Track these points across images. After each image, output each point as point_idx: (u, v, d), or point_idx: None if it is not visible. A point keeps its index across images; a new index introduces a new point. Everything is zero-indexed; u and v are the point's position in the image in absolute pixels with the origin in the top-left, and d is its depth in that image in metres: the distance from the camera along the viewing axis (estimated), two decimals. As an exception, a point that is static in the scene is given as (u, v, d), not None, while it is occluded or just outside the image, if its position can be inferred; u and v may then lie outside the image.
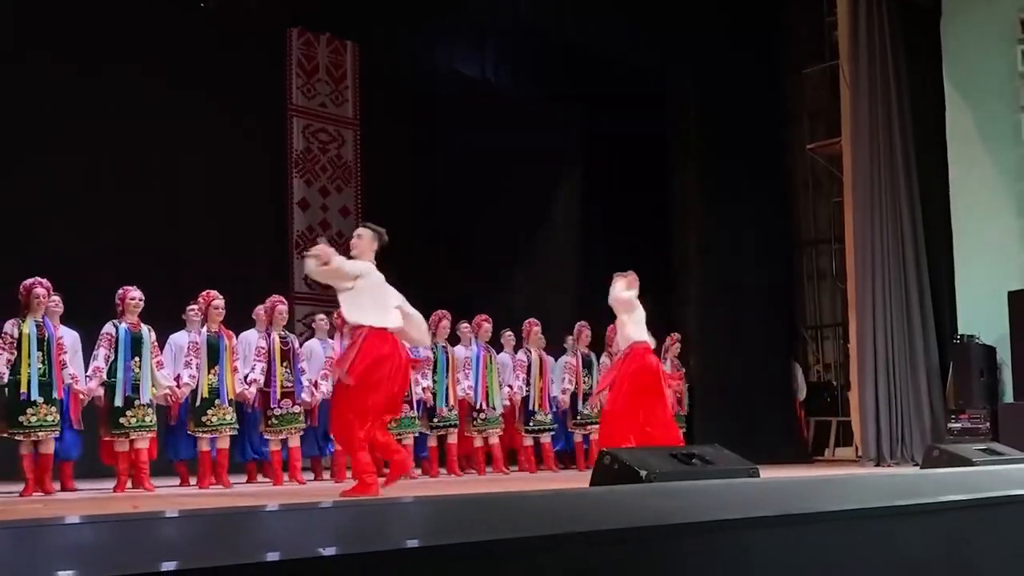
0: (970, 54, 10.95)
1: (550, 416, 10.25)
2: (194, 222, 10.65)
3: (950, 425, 10.24)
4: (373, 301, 6.27)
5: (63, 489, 7.46)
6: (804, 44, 13.47)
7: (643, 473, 4.15)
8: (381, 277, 6.39)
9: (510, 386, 9.97)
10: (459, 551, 2.07)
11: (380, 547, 2.03)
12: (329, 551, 1.94)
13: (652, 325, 8.57)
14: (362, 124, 12.74)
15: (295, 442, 8.30)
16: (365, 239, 6.43)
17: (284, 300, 8.51)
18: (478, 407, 9.64)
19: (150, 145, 10.39)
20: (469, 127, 12.69)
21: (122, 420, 7.31)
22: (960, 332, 10.61)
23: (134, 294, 7.45)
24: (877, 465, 10.31)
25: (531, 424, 10.18)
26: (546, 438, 10.28)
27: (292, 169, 12.15)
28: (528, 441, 10.20)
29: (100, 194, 9.96)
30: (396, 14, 11.95)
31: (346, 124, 12.68)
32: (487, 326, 9.88)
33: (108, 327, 7.39)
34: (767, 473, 4.91)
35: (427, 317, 8.90)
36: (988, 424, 9.94)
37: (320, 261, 6.19)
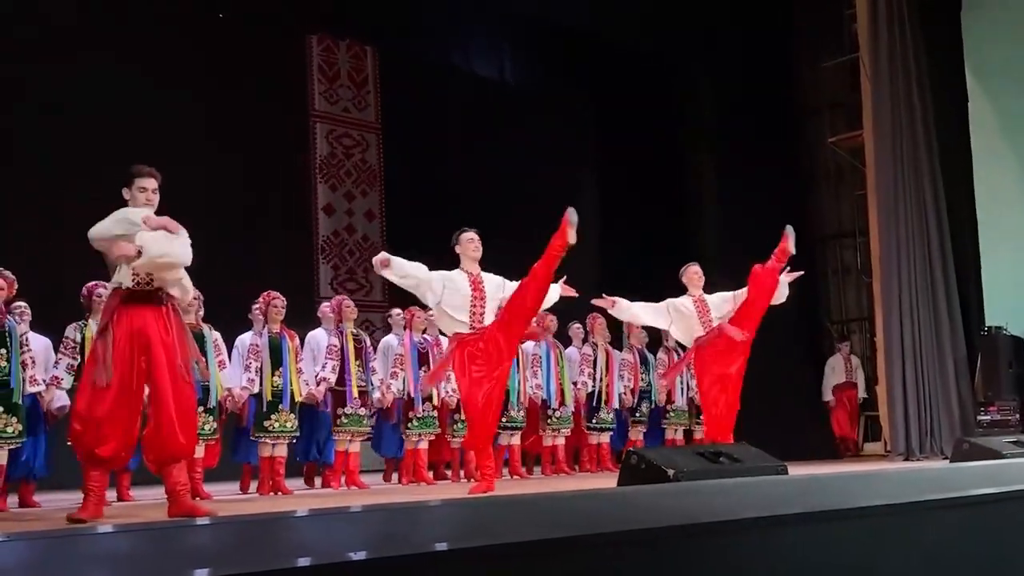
0: (992, 45, 10.88)
1: (611, 415, 9.91)
2: (219, 230, 10.69)
3: (979, 417, 10.16)
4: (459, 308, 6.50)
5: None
6: (823, 37, 13.40)
7: (670, 472, 4.15)
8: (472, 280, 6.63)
9: (574, 383, 9.61)
10: (488, 553, 2.08)
11: (409, 551, 2.05)
12: (359, 555, 1.96)
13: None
14: (384, 128, 12.78)
15: (355, 447, 8.14)
16: (462, 244, 6.78)
17: (348, 298, 8.45)
18: (552, 405, 9.34)
19: (172, 153, 10.41)
20: (488, 127, 12.73)
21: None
22: (987, 324, 10.54)
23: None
24: (906, 459, 10.25)
25: (594, 422, 9.82)
26: (606, 437, 9.93)
27: (316, 175, 12.21)
28: (594, 439, 9.85)
29: (121, 202, 10.02)
30: (414, 18, 12.00)
31: (369, 128, 12.74)
32: (551, 321, 9.47)
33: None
34: (795, 470, 4.90)
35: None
36: (1017, 416, 9.87)
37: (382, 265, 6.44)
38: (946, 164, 11.04)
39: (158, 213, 5.35)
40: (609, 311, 8.21)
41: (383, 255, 6.54)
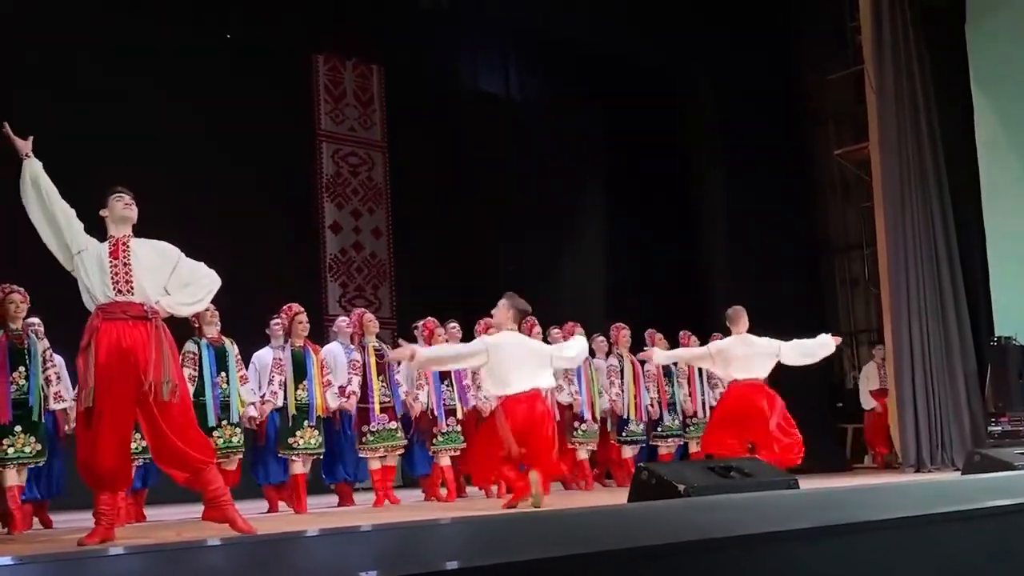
0: (996, 56, 10.88)
1: (641, 427, 9.82)
2: (227, 249, 10.72)
3: (990, 428, 10.12)
4: (506, 370, 6.70)
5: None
6: (828, 49, 13.43)
7: (681, 487, 4.15)
8: (515, 342, 6.83)
9: (601, 395, 9.55)
10: (499, 571, 2.08)
11: (420, 570, 2.04)
12: (370, 575, 1.95)
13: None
14: (390, 146, 12.83)
15: (392, 461, 8.04)
16: (502, 310, 6.89)
17: (368, 311, 8.38)
18: (586, 418, 9.28)
19: (180, 173, 10.48)
20: (495, 143, 12.76)
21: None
22: (997, 334, 10.50)
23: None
24: (917, 471, 10.20)
25: (624, 434, 9.73)
26: (631, 451, 9.81)
27: (323, 193, 12.25)
28: (626, 453, 9.74)
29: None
30: (420, 36, 12.05)
31: (375, 147, 12.78)
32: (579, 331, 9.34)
33: (189, 345, 7.09)
34: (806, 484, 4.89)
35: (466, 330, 8.91)
36: (1029, 426, 9.83)
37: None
38: (952, 174, 11.03)
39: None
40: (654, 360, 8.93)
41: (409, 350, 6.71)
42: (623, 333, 9.87)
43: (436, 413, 8.30)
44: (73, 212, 5.33)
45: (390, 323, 11.70)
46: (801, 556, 2.64)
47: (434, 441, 8.27)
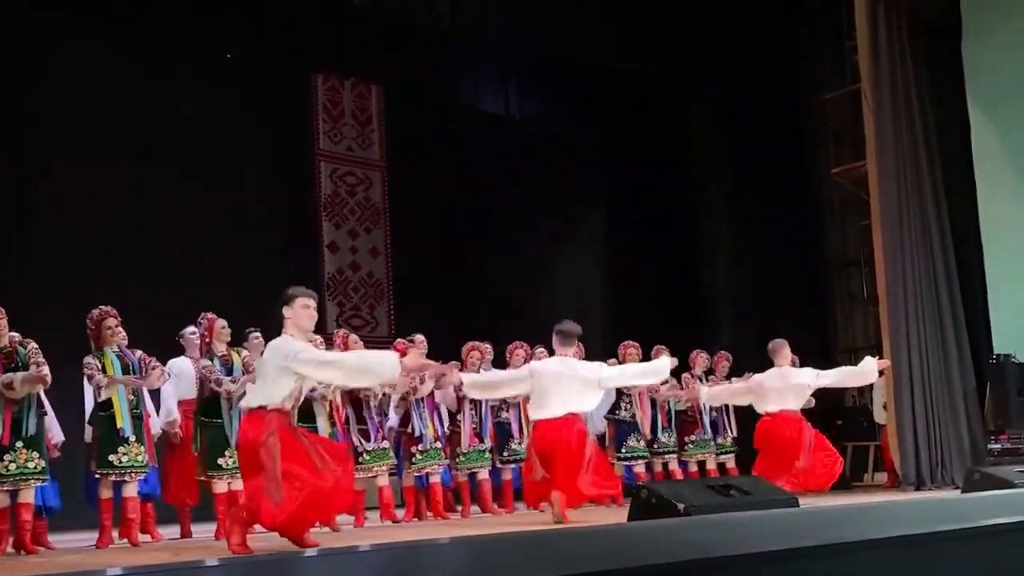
0: (993, 73, 10.91)
1: (642, 443, 9.79)
2: (224, 268, 10.74)
3: (989, 446, 10.10)
4: (546, 394, 6.93)
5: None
6: (826, 68, 13.47)
7: (681, 506, 4.14)
8: (558, 368, 7.06)
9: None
10: (498, 592, 2.07)
11: (420, 590, 2.04)
12: (369, 596, 1.95)
13: (683, 351, 8.66)
14: (389, 166, 12.84)
15: (383, 480, 8.05)
16: (554, 340, 7.19)
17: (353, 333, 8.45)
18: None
19: (177, 192, 10.49)
20: (494, 162, 12.77)
21: (220, 461, 7.10)
22: (996, 351, 10.49)
23: (220, 322, 7.36)
24: (917, 489, 10.17)
25: (623, 451, 9.72)
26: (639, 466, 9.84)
27: (321, 213, 12.25)
28: (621, 470, 9.62)
29: (128, 240, 10.07)
30: (419, 55, 12.08)
31: (373, 167, 12.79)
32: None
33: (204, 362, 7.22)
34: (806, 502, 4.88)
35: (458, 350, 8.93)
36: (1028, 444, 9.82)
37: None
38: (950, 192, 11.05)
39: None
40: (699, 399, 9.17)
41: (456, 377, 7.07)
42: (630, 351, 9.81)
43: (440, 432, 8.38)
44: None
45: (387, 342, 11.67)
46: (801, 574, 2.63)
47: (413, 460, 8.28)
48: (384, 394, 8.18)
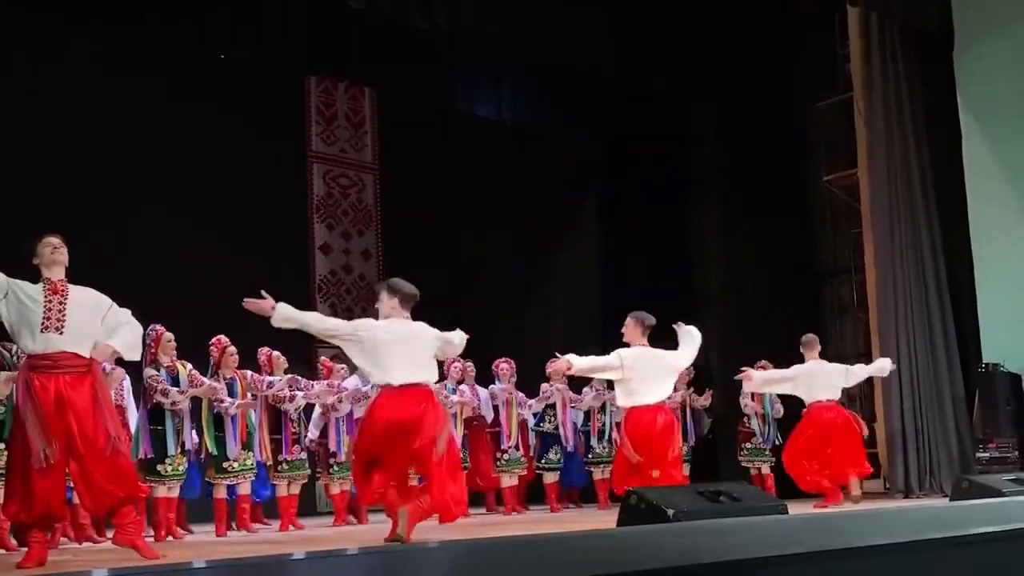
0: (984, 83, 10.95)
1: (559, 456, 10.18)
2: (216, 269, 10.72)
3: (978, 455, 10.13)
4: (638, 383, 7.02)
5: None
6: (818, 76, 13.49)
7: (670, 512, 4.14)
8: (647, 356, 7.12)
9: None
10: (488, 596, 2.07)
11: (409, 594, 2.03)
12: (358, 599, 1.94)
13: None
14: (381, 168, 12.84)
15: (295, 489, 8.44)
16: (629, 327, 7.22)
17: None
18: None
19: (171, 194, 10.49)
20: (487, 166, 12.78)
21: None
22: (985, 360, 10.52)
23: (168, 335, 7.54)
24: (906, 497, 10.20)
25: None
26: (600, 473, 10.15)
27: (313, 214, 12.25)
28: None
29: (121, 241, 10.06)
30: (412, 58, 12.06)
31: (366, 169, 12.80)
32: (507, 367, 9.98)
33: (150, 371, 7.35)
34: (795, 509, 4.88)
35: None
36: (1016, 453, 9.84)
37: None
38: (940, 201, 11.08)
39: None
40: (746, 387, 9.34)
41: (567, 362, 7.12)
42: None
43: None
44: None
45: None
46: (790, 582, 2.63)
47: (331, 471, 8.61)
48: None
